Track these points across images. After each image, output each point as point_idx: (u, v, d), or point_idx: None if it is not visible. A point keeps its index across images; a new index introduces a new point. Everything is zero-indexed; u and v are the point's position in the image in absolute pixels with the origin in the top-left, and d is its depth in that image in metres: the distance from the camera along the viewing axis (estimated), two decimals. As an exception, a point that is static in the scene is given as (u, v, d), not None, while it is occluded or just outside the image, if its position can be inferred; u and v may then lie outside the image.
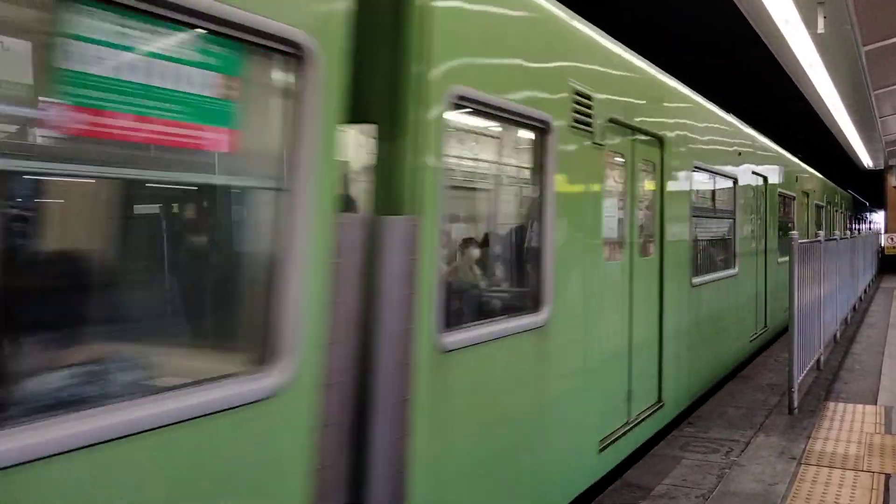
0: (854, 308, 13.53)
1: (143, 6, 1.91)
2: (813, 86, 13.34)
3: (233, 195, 2.53)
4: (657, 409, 5.66)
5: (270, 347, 2.31)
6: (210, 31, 2.12)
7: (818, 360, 8.21)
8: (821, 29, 9.00)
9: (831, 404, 6.77)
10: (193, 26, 2.08)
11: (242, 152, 2.35)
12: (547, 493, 4.02)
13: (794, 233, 7.85)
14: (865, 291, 17.06)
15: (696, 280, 6.75)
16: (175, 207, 2.57)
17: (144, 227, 2.45)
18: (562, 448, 4.19)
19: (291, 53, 2.35)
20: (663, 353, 5.79)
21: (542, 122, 3.87)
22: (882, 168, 27.27)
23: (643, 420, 5.36)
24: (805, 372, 7.22)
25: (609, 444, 4.75)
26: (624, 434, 5.02)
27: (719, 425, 6.15)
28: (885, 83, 13.42)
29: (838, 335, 10.41)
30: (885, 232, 27.17)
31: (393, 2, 2.93)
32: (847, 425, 6.05)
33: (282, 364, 2.31)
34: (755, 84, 15.72)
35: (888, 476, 4.81)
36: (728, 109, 8.63)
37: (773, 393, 7.29)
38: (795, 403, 6.52)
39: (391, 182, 2.92)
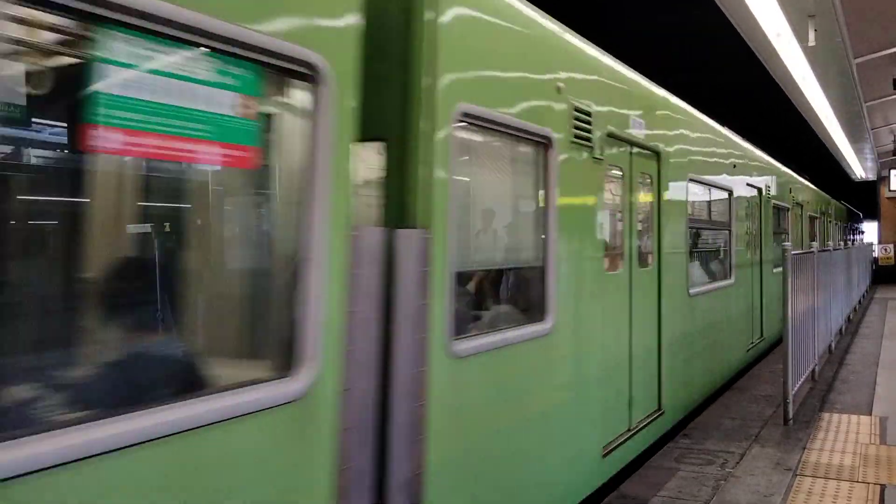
0: (849, 319, 13.56)
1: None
2: (805, 98, 13.46)
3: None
4: None
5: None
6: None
7: (813, 371, 8.23)
8: (812, 42, 9.10)
9: (826, 415, 6.78)
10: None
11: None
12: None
13: (788, 244, 7.65)
14: (860, 302, 17.11)
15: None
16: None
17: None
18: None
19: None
20: None
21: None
22: (875, 179, 27.47)
23: None
24: (800, 383, 7.23)
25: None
26: None
27: (715, 437, 6.15)
28: (876, 95, 13.55)
29: (833, 346, 10.43)
30: (879, 243, 27.28)
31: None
32: (842, 436, 6.06)
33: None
34: (748, 97, 15.83)
35: (883, 487, 4.81)
36: (721, 122, 8.66)
37: (768, 404, 7.29)
38: (790, 414, 6.52)
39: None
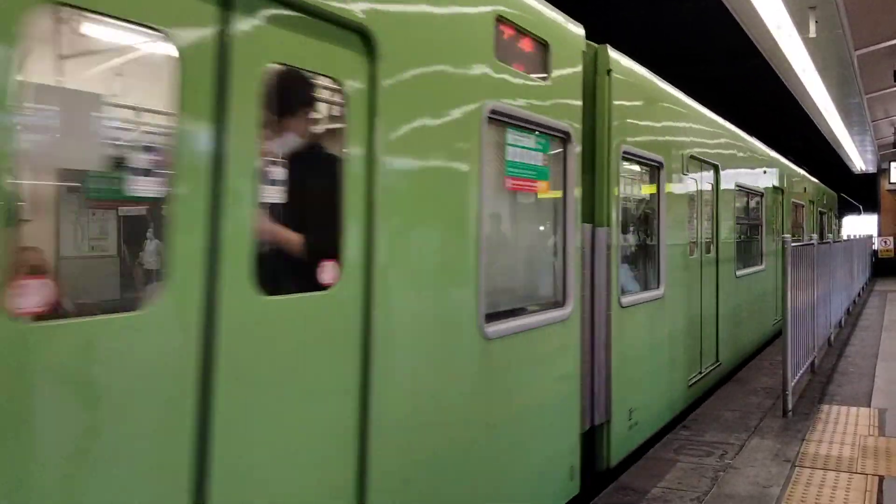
0: (848, 311, 13.58)
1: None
2: (806, 90, 13.43)
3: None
4: None
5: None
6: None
7: (812, 363, 8.24)
8: (812, 34, 9.08)
9: (825, 407, 6.79)
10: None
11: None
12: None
13: (787, 236, 7.20)
14: (860, 294, 17.12)
15: None
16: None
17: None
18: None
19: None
20: None
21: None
22: (875, 171, 27.44)
23: None
24: (799, 375, 7.24)
25: None
26: None
27: (714, 428, 6.17)
28: (876, 87, 13.53)
29: (832, 338, 10.44)
30: (879, 235, 27.27)
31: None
32: (841, 428, 6.07)
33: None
34: (748, 88, 15.80)
35: (882, 478, 4.83)
36: (720, 113, 8.63)
37: (767, 396, 7.31)
38: (790, 406, 6.54)
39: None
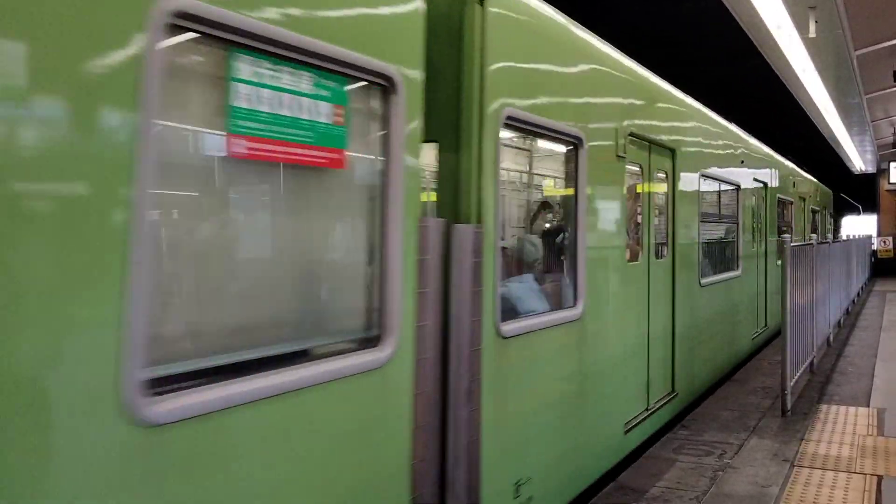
0: (847, 311, 13.58)
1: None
2: (805, 90, 13.43)
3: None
4: None
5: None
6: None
7: (811, 363, 8.25)
8: (812, 34, 9.08)
9: (824, 407, 6.80)
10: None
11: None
12: None
13: (786, 236, 6.98)
14: (858, 294, 17.12)
15: None
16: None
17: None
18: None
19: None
20: None
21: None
22: (874, 172, 27.45)
23: None
24: (798, 375, 7.25)
25: None
26: None
27: (713, 428, 6.18)
28: (876, 87, 13.53)
29: (831, 338, 10.45)
30: (878, 235, 27.27)
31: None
32: (840, 427, 6.08)
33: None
34: (748, 89, 15.80)
35: (880, 478, 4.83)
36: (721, 113, 8.63)
37: (766, 396, 7.32)
38: (788, 406, 6.55)
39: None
